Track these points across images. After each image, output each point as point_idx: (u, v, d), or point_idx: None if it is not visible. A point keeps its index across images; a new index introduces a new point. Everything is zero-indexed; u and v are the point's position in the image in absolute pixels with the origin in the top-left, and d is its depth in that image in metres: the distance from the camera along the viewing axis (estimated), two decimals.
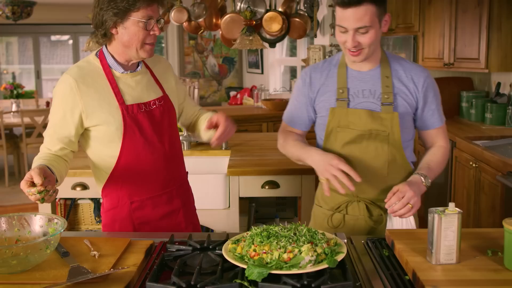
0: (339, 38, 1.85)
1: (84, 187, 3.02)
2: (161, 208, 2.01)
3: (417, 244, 1.57)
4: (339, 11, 1.79)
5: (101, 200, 3.20)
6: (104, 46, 1.93)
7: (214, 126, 1.94)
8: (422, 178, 1.86)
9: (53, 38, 12.19)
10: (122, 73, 1.91)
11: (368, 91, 1.93)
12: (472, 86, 4.99)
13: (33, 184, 1.58)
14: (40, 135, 6.44)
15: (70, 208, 3.24)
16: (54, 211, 3.12)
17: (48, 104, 7.64)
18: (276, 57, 8.26)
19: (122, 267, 1.47)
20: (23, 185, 1.58)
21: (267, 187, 3.04)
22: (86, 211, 3.24)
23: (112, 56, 1.90)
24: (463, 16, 4.34)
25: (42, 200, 1.57)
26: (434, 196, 4.50)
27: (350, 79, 1.95)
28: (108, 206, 1.99)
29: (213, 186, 2.96)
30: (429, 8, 4.74)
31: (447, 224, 1.42)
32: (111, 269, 1.46)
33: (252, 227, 1.60)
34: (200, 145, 3.61)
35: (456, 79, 4.98)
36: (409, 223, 1.92)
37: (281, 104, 5.74)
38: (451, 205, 1.45)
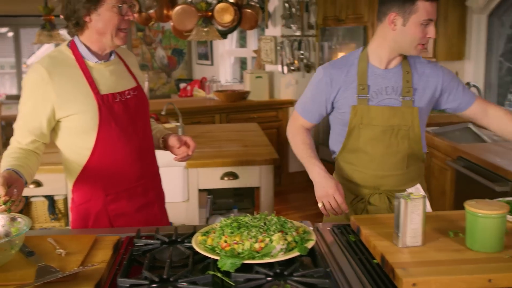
0: (420, 33, 1.90)
1: (38, 184, 2.93)
2: (136, 200, 1.98)
3: (382, 228, 1.61)
4: (425, 5, 1.87)
5: (55, 197, 3.15)
6: (76, 36, 1.88)
7: (183, 144, 2.08)
8: None
9: None
10: (95, 62, 1.88)
11: (391, 88, 2.00)
12: None
13: None
14: None
15: (23, 206, 3.13)
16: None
17: None
18: (226, 48, 8.23)
19: (92, 264, 1.44)
20: None
21: (226, 178, 3.04)
22: (40, 209, 3.15)
23: (85, 46, 1.86)
24: None
25: (9, 211, 1.52)
26: None
27: (374, 77, 2.00)
28: (80, 200, 1.94)
29: (172, 179, 2.94)
30: None
31: (412, 208, 1.47)
32: (80, 267, 1.42)
33: (222, 218, 1.61)
34: None
35: None
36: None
37: (234, 95, 5.74)
38: (415, 188, 1.49)
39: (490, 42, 4.21)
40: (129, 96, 1.92)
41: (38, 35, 4.12)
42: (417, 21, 1.88)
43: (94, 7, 1.78)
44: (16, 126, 1.84)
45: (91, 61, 1.87)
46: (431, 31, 1.90)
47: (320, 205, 1.95)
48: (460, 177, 3.18)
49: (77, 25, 1.83)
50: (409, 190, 2.04)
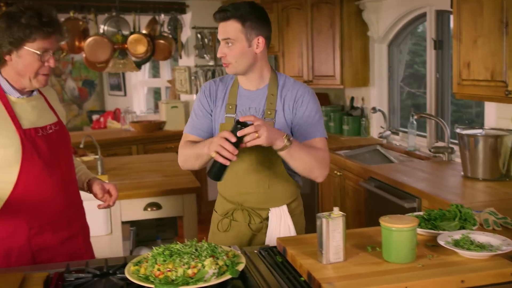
0: (219, 50, 2.05)
1: None
2: (61, 233, 1.96)
3: (306, 248, 1.71)
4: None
5: None
6: None
7: (106, 192, 2.13)
8: (285, 137, 1.91)
9: None
10: (18, 97, 1.88)
11: (254, 109, 2.09)
12: (329, 101, 5.41)
13: None
14: None
15: None
16: None
17: None
18: (139, 79, 8.20)
19: None
20: None
21: (149, 209, 3.05)
22: None
23: (7, 81, 1.85)
24: (318, 37, 4.72)
25: None
26: (304, 206, 4.78)
27: (240, 97, 2.11)
28: (3, 235, 1.88)
29: (95, 212, 2.88)
30: (287, 30, 5.08)
31: (334, 226, 1.58)
32: None
33: (153, 247, 1.64)
34: None
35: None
36: (287, 229, 2.13)
37: (150, 126, 5.73)
38: (336, 209, 1.61)
39: (391, 69, 4.54)
40: (51, 131, 1.94)
41: None
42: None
43: (15, 49, 1.78)
44: None
45: (13, 95, 1.88)
46: None
47: (213, 155, 1.87)
48: (371, 196, 3.39)
49: None
50: (272, 210, 2.12)
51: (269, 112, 2.07)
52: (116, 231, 3.02)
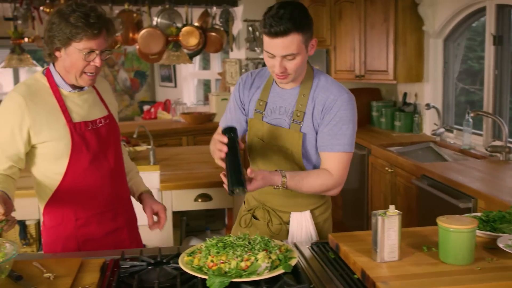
0: (267, 62, 1.88)
1: None
2: (106, 225, 2.00)
3: (360, 245, 1.69)
4: (266, 38, 1.82)
5: (27, 222, 3.12)
6: (51, 65, 1.92)
7: (154, 213, 2.17)
8: (284, 178, 1.86)
9: None
10: (69, 91, 1.92)
11: (284, 109, 1.97)
12: (380, 96, 5.32)
13: None
14: None
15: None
16: None
17: None
18: (190, 71, 8.29)
19: (82, 287, 1.46)
20: None
21: (199, 200, 3.08)
22: (11, 234, 3.10)
23: (59, 75, 1.90)
24: (371, 31, 4.64)
25: (1, 230, 1.53)
26: (351, 201, 4.75)
27: (272, 94, 2.01)
28: (51, 223, 1.97)
29: None
30: (340, 24, 5.02)
31: (389, 224, 1.55)
32: None
33: (207, 238, 1.65)
34: None
35: (366, 90, 5.29)
36: (309, 236, 2.05)
37: (200, 118, 5.79)
38: (392, 207, 1.58)
39: (446, 65, 4.42)
40: (100, 125, 1.98)
41: (8, 59, 4.09)
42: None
43: (63, 46, 1.82)
44: None
45: (65, 89, 1.92)
46: None
47: (217, 162, 1.84)
48: (424, 194, 3.32)
49: (50, 56, 1.89)
50: (293, 214, 2.04)
51: (298, 114, 1.94)
52: (167, 221, 3.06)
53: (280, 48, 1.80)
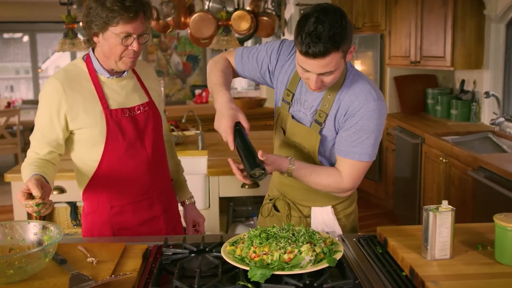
0: (301, 74, 1.73)
1: (61, 190, 2.96)
2: (141, 213, 2.00)
3: (409, 241, 1.62)
4: (301, 56, 1.65)
5: (77, 204, 3.18)
6: (91, 50, 1.92)
7: (194, 225, 2.23)
8: (291, 165, 1.80)
9: (6, 35, 11.83)
10: (107, 78, 1.91)
11: (309, 104, 1.86)
12: (436, 83, 5.13)
13: (30, 196, 1.56)
14: (2, 137, 6.26)
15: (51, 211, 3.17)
16: (29, 215, 3.05)
17: (9, 104, 7.43)
18: None
19: (124, 273, 1.46)
20: (20, 196, 1.56)
21: (247, 186, 3.06)
22: (62, 215, 3.18)
23: (98, 61, 1.90)
24: (428, 16, 4.46)
25: (38, 213, 1.55)
26: (402, 191, 4.62)
27: (301, 86, 1.88)
28: (88, 210, 1.98)
29: (193, 187, 2.94)
30: (395, 8, 4.85)
31: (441, 221, 1.47)
32: (112, 276, 1.45)
33: (250, 229, 1.62)
34: (176, 146, 3.59)
35: (422, 77, 5.11)
36: (331, 230, 1.96)
37: (251, 103, 5.76)
38: (445, 202, 1.50)
39: (508, 51, 4.19)
40: (138, 112, 1.95)
41: (61, 43, 4.17)
42: None
43: (101, 31, 1.80)
44: (33, 138, 1.89)
45: (103, 76, 1.91)
46: None
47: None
48: (480, 187, 3.17)
49: (88, 42, 1.88)
50: (314, 209, 1.97)
51: (320, 115, 1.82)
52: (213, 206, 3.07)
53: (317, 67, 1.65)
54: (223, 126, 1.71)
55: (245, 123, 1.72)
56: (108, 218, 1.96)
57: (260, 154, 1.69)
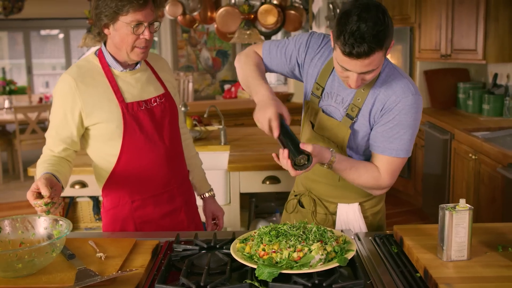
0: (340, 73, 1.67)
1: (83, 185, 2.99)
2: (162, 207, 1.99)
3: (426, 240, 1.56)
4: (342, 55, 1.60)
5: (100, 198, 3.21)
6: (103, 45, 1.91)
7: (213, 218, 2.24)
8: (333, 157, 1.73)
9: (43, 32, 12.08)
10: (121, 71, 1.90)
11: (341, 99, 1.81)
12: (468, 77, 4.98)
13: (39, 195, 1.56)
14: (34, 132, 6.38)
15: (69, 206, 3.21)
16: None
17: (41, 100, 7.58)
18: None
19: (130, 269, 1.45)
20: (30, 196, 1.56)
21: (267, 182, 3.02)
22: (85, 209, 3.21)
23: (111, 55, 1.88)
24: (459, 7, 4.33)
25: (48, 212, 1.55)
26: (431, 188, 4.51)
27: (331, 80, 1.83)
28: (109, 205, 1.97)
29: (213, 182, 2.92)
30: (425, 0, 4.72)
31: (458, 220, 1.41)
32: (119, 271, 1.43)
33: (260, 226, 1.59)
34: (198, 141, 3.58)
35: (453, 70, 4.97)
36: (358, 228, 1.91)
37: (278, 97, 5.71)
38: (462, 201, 1.44)
39: None
40: (155, 104, 1.93)
41: (84, 38, 4.22)
42: None
43: (111, 21, 1.78)
44: (48, 135, 1.89)
45: (116, 69, 1.89)
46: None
47: (259, 125, 1.72)
48: (510, 185, 3.06)
49: (99, 35, 1.87)
50: (340, 205, 1.93)
51: (352, 109, 1.77)
52: (234, 202, 3.04)
53: (360, 67, 1.60)
54: (268, 115, 1.67)
55: (286, 115, 1.71)
56: (130, 212, 1.95)
57: (301, 146, 1.65)
